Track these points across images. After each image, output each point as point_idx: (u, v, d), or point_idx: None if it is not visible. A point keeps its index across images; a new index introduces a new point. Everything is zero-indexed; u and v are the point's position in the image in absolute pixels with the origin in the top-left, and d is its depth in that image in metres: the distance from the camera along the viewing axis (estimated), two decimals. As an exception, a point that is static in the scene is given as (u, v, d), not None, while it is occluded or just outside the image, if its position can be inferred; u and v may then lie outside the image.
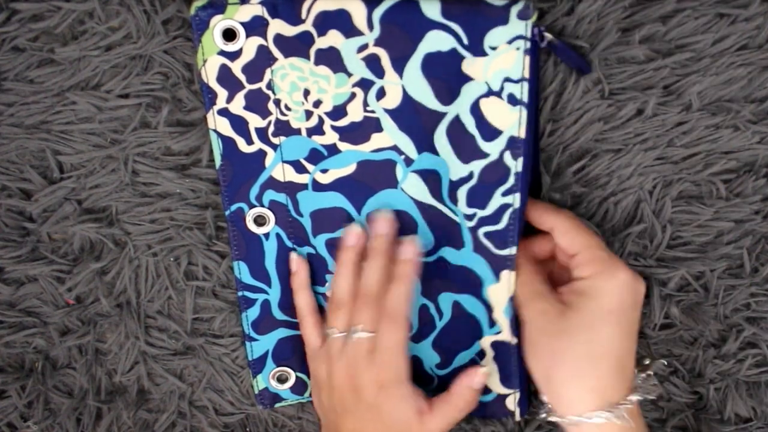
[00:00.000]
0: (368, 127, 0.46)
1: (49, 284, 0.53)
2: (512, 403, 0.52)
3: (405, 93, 0.44)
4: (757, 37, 0.46)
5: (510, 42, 0.42)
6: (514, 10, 0.41)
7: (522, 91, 0.43)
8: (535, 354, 0.45)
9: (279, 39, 0.44)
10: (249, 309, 0.51)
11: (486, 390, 0.51)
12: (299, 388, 0.54)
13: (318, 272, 0.50)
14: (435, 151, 0.46)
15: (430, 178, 0.47)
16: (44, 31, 0.47)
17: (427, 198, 0.47)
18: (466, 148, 0.45)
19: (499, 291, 0.48)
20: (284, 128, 0.46)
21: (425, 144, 0.46)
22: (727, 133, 0.48)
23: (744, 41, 0.46)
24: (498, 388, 0.51)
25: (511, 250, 0.47)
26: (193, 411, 0.55)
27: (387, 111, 0.45)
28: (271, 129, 0.47)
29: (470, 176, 0.46)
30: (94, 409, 0.55)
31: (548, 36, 0.42)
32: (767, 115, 0.48)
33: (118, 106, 0.49)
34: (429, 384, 0.52)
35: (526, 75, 0.42)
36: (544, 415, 0.45)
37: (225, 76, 0.45)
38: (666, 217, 0.50)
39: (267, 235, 0.49)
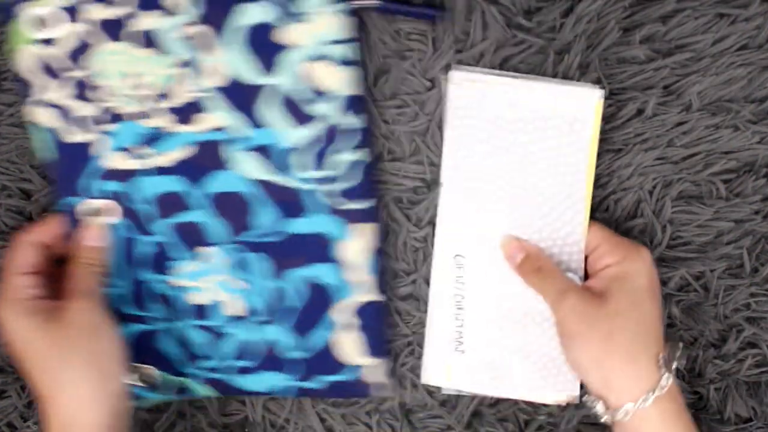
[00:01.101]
0: (194, 108, 0.45)
1: (49, 284, 0.53)
2: (382, 374, 0.49)
3: (227, 70, 0.44)
4: (757, 37, 0.46)
5: (327, 5, 0.43)
6: None
7: (352, 51, 0.44)
8: (580, 347, 0.45)
9: (96, 23, 0.43)
10: None
11: (342, 366, 0.49)
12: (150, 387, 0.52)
13: (162, 259, 0.49)
14: (266, 125, 0.45)
15: (267, 152, 0.46)
16: (44, 31, 0.47)
17: (265, 174, 0.46)
18: (300, 115, 0.45)
19: (356, 246, 0.47)
20: (113, 115, 0.45)
21: (255, 119, 0.45)
22: (727, 133, 0.48)
23: (744, 41, 0.46)
24: (364, 360, 0.48)
25: (370, 203, 0.47)
26: (193, 411, 0.55)
27: (212, 90, 0.45)
28: (99, 116, 0.45)
29: (313, 140, 0.46)
30: (94, 409, 0.55)
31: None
32: (767, 115, 0.48)
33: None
34: (297, 372, 0.50)
35: (353, 35, 0.44)
36: (605, 417, 0.44)
37: (41, 65, 0.43)
38: (666, 217, 0.50)
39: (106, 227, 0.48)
